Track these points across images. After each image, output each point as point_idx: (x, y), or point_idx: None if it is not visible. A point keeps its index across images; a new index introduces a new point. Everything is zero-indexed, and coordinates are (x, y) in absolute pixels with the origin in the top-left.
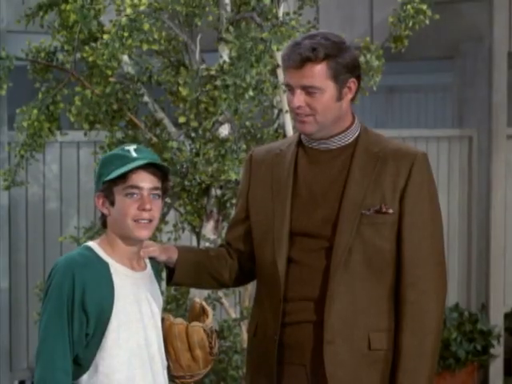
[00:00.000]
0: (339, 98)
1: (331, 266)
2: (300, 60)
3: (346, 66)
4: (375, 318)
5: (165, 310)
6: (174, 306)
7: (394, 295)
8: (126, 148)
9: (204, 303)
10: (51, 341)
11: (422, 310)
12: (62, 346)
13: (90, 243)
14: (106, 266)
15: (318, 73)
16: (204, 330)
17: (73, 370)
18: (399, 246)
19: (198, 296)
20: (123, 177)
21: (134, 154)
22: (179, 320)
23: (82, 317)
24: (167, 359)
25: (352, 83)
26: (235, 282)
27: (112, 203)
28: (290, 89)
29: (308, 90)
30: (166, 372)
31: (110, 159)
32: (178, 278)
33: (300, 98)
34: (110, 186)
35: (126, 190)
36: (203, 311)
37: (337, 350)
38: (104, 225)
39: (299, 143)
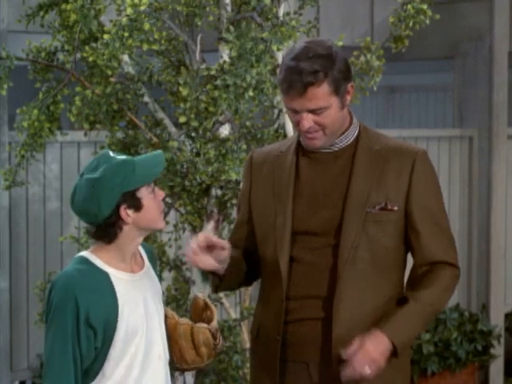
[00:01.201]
0: (342, 107)
1: (339, 264)
2: (303, 87)
3: (343, 76)
4: (382, 314)
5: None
6: (174, 305)
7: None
8: (112, 154)
9: (208, 300)
10: (57, 363)
11: (438, 280)
12: (67, 368)
13: (85, 254)
14: (105, 275)
15: (322, 93)
16: (209, 331)
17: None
18: (415, 243)
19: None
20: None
21: (124, 156)
22: (184, 320)
23: (89, 333)
24: (172, 355)
25: (350, 87)
26: (245, 283)
27: (138, 207)
28: (295, 112)
29: (315, 112)
30: (168, 367)
31: (116, 168)
32: (222, 287)
33: (309, 120)
34: (133, 194)
35: (150, 188)
36: (206, 306)
37: (344, 345)
38: (109, 241)
39: (299, 143)
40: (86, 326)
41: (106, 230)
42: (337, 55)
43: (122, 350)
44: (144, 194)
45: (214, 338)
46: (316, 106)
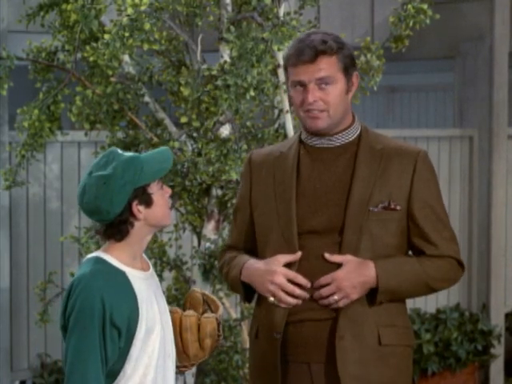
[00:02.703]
0: (347, 91)
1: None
2: (314, 53)
3: (351, 60)
4: (385, 314)
5: None
6: (174, 305)
7: None
8: (120, 152)
9: (207, 293)
10: (83, 363)
11: (444, 265)
12: (94, 368)
13: (99, 254)
14: (123, 274)
15: (332, 64)
16: (216, 319)
17: None
18: (419, 241)
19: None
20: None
21: (132, 153)
22: (191, 312)
23: (113, 334)
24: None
25: (355, 77)
26: None
27: (148, 203)
28: (302, 85)
29: (321, 84)
30: (174, 366)
31: (125, 165)
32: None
33: (314, 93)
34: (144, 190)
35: (160, 184)
36: (203, 301)
37: (347, 345)
38: (120, 238)
39: (300, 143)
40: (111, 326)
41: (117, 228)
42: (347, 45)
43: (142, 348)
44: (154, 189)
45: (218, 328)
46: (325, 74)
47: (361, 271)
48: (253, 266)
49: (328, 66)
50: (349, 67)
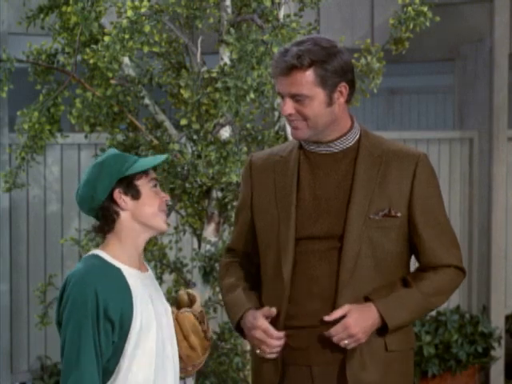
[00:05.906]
0: (329, 103)
1: (342, 271)
2: (286, 68)
3: (335, 71)
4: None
5: None
6: (175, 308)
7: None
8: (118, 151)
9: (190, 290)
10: (78, 354)
11: (443, 279)
12: (90, 363)
13: (96, 252)
14: (118, 270)
15: (305, 80)
16: (194, 315)
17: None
18: (418, 246)
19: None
20: (145, 170)
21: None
22: (171, 310)
23: (107, 327)
24: None
25: (343, 87)
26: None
27: (135, 195)
28: (281, 96)
29: (297, 98)
30: (178, 372)
31: (119, 157)
32: None
33: (289, 106)
34: (130, 181)
35: (152, 182)
36: (190, 300)
37: (354, 351)
38: (108, 229)
39: (300, 148)
40: (105, 319)
41: (103, 217)
42: (337, 53)
43: (136, 345)
44: (142, 183)
45: (202, 324)
46: (297, 91)
47: (366, 315)
48: (245, 320)
49: (300, 82)
50: (330, 79)
